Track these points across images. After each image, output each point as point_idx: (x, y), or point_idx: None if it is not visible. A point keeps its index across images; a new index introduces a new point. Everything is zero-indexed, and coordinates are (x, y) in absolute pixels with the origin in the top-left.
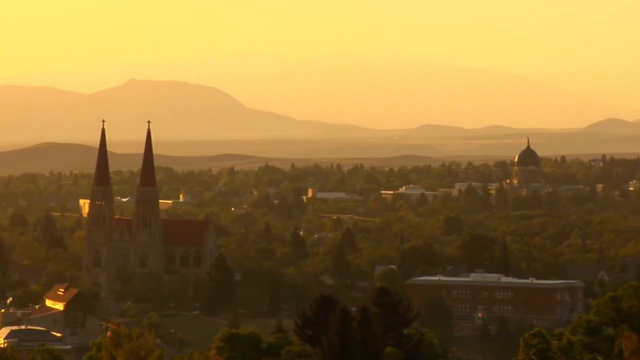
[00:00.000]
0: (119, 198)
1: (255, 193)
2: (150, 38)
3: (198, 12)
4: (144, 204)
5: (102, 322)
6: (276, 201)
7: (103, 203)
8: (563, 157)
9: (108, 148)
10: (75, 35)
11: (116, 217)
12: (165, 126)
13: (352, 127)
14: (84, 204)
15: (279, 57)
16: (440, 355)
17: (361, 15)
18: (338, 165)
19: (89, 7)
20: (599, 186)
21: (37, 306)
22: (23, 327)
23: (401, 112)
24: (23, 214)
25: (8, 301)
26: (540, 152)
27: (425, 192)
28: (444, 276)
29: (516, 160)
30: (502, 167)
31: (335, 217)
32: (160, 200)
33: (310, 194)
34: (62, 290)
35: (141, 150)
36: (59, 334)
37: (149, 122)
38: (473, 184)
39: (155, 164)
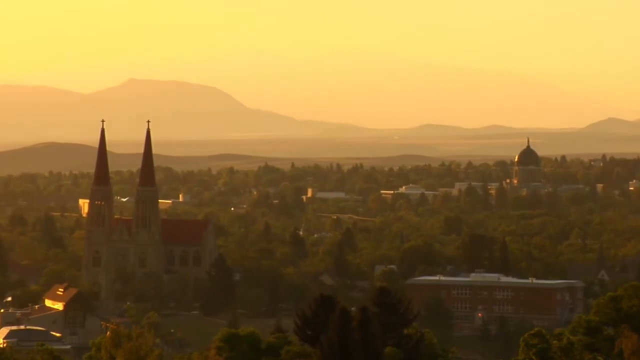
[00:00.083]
0: (118, 198)
1: (255, 193)
2: (150, 38)
3: (198, 12)
4: (143, 204)
5: (102, 322)
6: (276, 201)
7: (102, 203)
8: (563, 157)
9: (107, 148)
10: (75, 35)
11: (116, 217)
12: (165, 126)
13: (351, 127)
14: (84, 204)
15: (279, 57)
16: (440, 355)
17: (361, 15)
18: (338, 165)
19: (89, 7)
20: (599, 186)
21: (36, 306)
22: (22, 327)
23: (401, 112)
24: (22, 213)
25: (7, 300)
26: (540, 152)
27: (425, 192)
28: (444, 276)
29: (516, 160)
30: (502, 167)
31: (335, 217)
32: (159, 200)
33: (309, 194)
34: (62, 290)
35: (141, 150)
36: (58, 334)
37: (148, 121)
38: (473, 183)
39: (155, 164)
